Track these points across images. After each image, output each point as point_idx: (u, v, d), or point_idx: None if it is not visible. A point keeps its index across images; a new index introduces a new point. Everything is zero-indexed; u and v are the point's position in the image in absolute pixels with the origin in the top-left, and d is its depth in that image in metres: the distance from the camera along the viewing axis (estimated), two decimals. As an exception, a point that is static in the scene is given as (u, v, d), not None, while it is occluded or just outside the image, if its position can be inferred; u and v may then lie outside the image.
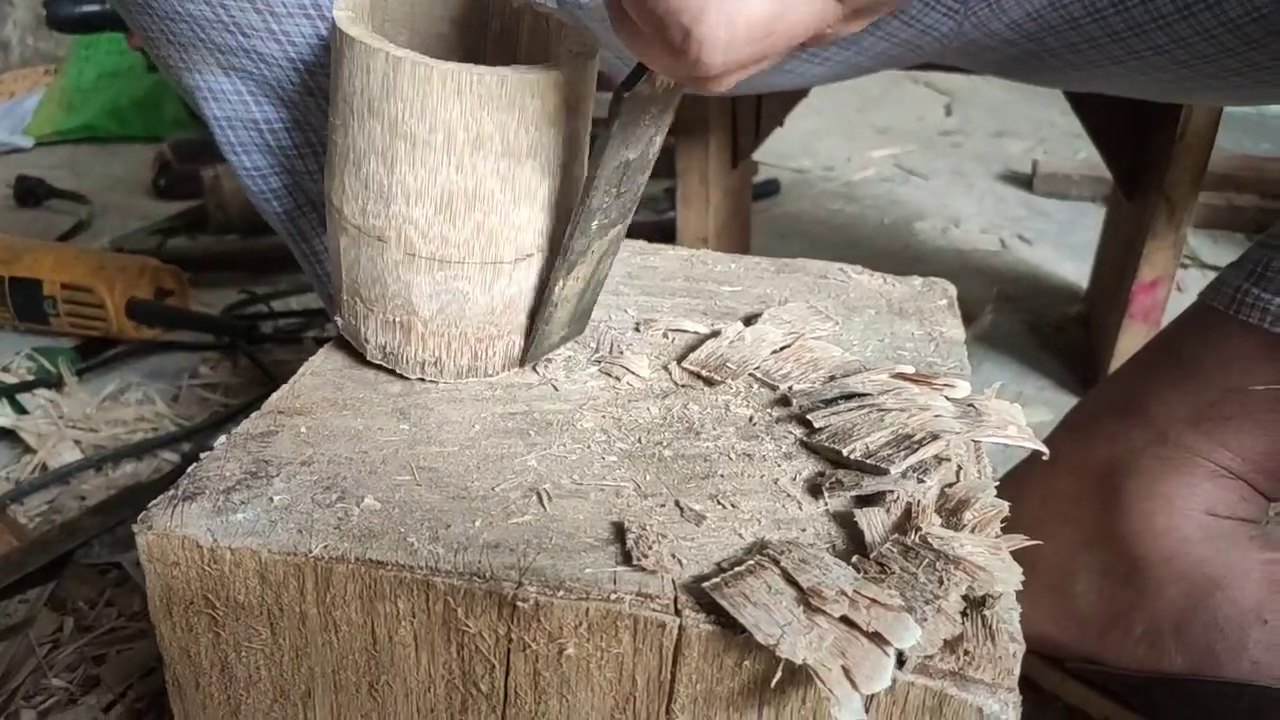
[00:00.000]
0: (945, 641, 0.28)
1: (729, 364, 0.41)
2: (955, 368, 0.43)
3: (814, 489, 0.34)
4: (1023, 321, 1.01)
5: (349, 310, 0.40)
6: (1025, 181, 1.37)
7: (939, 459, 0.35)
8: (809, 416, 0.37)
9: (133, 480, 0.72)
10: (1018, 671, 0.28)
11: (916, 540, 0.30)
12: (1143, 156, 0.84)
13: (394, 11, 0.40)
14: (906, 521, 0.31)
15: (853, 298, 0.49)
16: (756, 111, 0.96)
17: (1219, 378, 0.48)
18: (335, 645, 0.31)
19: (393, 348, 0.39)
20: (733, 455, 0.36)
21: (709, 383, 0.40)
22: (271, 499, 0.32)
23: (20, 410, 0.76)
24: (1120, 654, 0.50)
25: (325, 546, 0.30)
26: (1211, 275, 1.09)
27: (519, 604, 0.29)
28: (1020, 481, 0.56)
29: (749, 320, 0.45)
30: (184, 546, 0.30)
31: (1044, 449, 0.39)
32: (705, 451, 0.36)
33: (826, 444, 0.35)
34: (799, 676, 0.27)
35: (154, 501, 0.32)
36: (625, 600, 0.29)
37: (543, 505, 0.32)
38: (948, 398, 0.39)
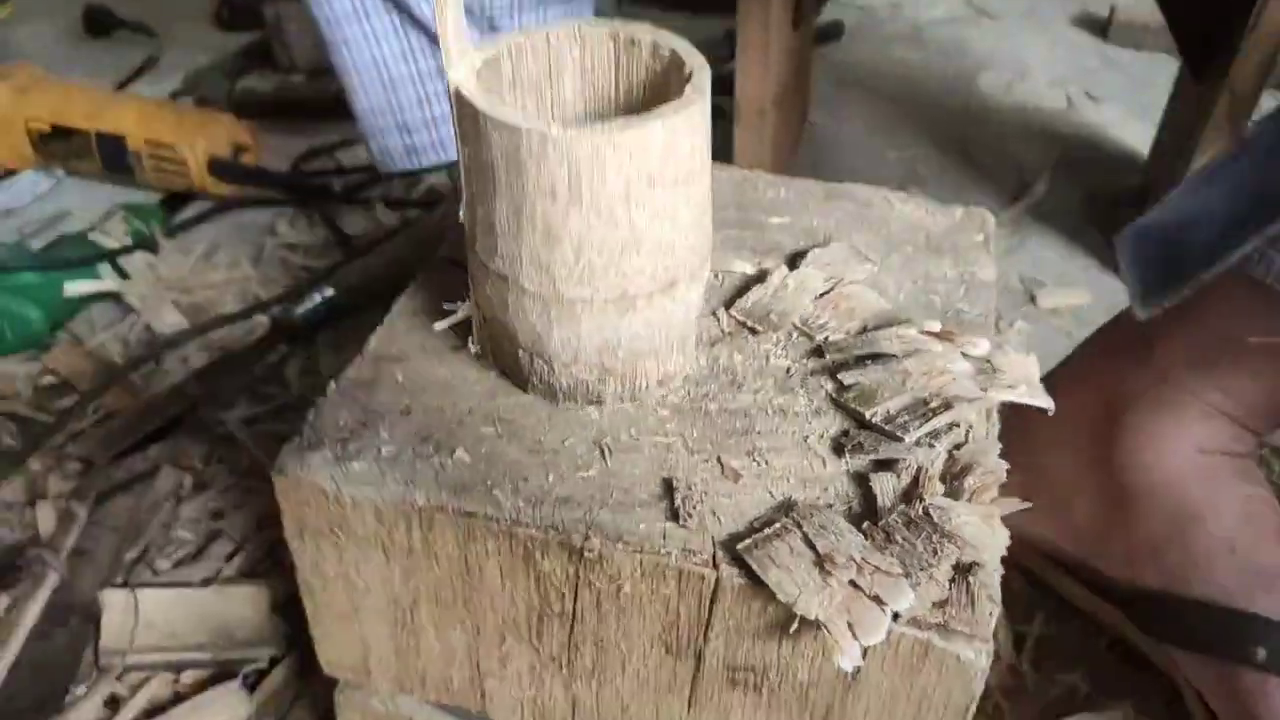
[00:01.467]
0: (934, 603, 0.34)
1: (772, 314, 0.45)
2: (981, 315, 0.47)
3: (838, 448, 0.39)
4: (1079, 192, 1.02)
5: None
6: (1101, 27, 1.32)
7: (951, 424, 0.39)
8: (839, 375, 0.42)
9: (229, 340, 0.80)
10: (993, 626, 0.34)
11: (919, 513, 0.35)
12: (1213, 41, 0.82)
13: (516, 77, 0.39)
14: (914, 489, 0.37)
15: (894, 230, 0.52)
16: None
17: (1220, 325, 0.51)
18: (436, 570, 0.38)
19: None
20: (769, 410, 0.41)
21: (753, 331, 0.45)
22: (380, 449, 0.38)
23: (122, 274, 0.83)
24: (1108, 565, 0.56)
25: (427, 497, 0.36)
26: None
27: (586, 552, 0.35)
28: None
29: (794, 260, 0.49)
30: (311, 490, 0.37)
31: (1050, 405, 0.43)
32: (745, 406, 0.41)
33: (852, 404, 0.40)
34: (812, 626, 0.34)
35: (286, 447, 0.38)
36: (672, 554, 0.35)
37: (604, 460, 0.38)
38: (967, 354, 0.43)
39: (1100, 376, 0.57)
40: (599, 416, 0.40)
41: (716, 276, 0.48)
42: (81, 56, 1.30)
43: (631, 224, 0.35)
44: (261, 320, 0.82)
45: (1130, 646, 0.58)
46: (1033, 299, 0.88)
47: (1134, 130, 1.11)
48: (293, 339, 0.81)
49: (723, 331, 0.45)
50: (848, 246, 0.50)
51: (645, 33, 0.38)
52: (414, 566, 0.38)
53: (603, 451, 0.39)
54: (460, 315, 0.43)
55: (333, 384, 0.41)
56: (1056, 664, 0.59)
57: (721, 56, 1.23)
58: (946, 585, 0.34)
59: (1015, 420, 0.54)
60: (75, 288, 0.79)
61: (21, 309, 0.75)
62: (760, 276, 0.47)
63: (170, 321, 0.81)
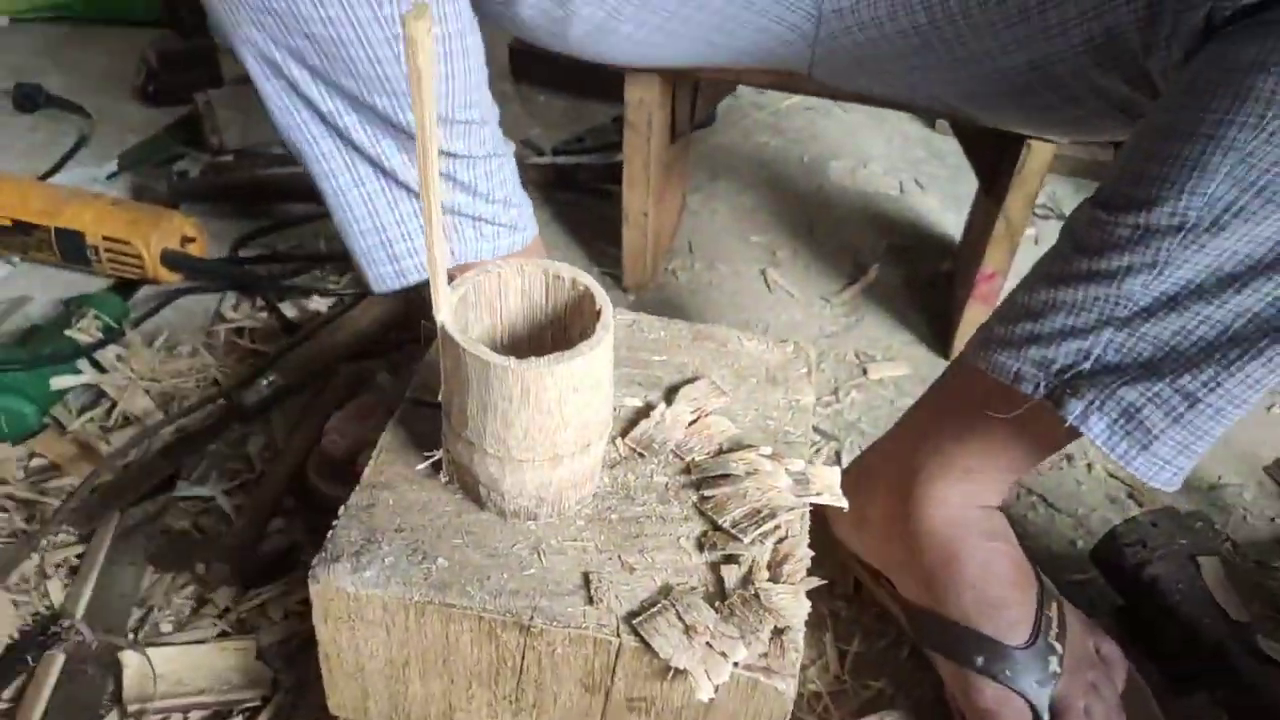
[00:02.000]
0: (760, 655, 0.52)
1: (654, 442, 0.63)
2: (801, 435, 0.66)
3: (700, 545, 0.57)
4: (902, 275, 1.24)
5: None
6: (929, 119, 1.55)
7: (775, 527, 0.58)
8: (702, 489, 0.60)
9: (191, 422, 0.93)
10: (799, 666, 0.53)
11: (751, 594, 0.54)
12: (996, 167, 1.04)
13: (476, 299, 0.56)
14: (749, 576, 0.55)
15: (743, 365, 0.71)
16: (693, 95, 1.13)
17: (970, 408, 0.71)
18: (424, 642, 0.54)
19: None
20: (654, 518, 0.59)
21: (641, 455, 0.63)
22: (383, 559, 0.54)
23: (98, 366, 0.95)
24: (901, 585, 0.77)
25: (420, 594, 0.53)
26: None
27: (531, 628, 0.52)
28: (864, 464, 0.81)
29: (669, 394, 0.67)
30: (336, 591, 0.53)
31: (845, 505, 0.62)
32: (637, 514, 0.59)
33: (710, 513, 0.59)
34: (682, 672, 0.52)
35: (316, 559, 0.54)
36: (589, 628, 0.52)
37: (541, 560, 0.55)
38: (789, 471, 0.62)
39: (899, 451, 0.77)
40: (535, 528, 0.57)
41: (615, 410, 0.66)
42: (12, 135, 1.38)
43: (562, 414, 0.52)
44: (220, 403, 0.96)
45: (921, 656, 0.79)
46: (865, 371, 1.09)
47: (950, 219, 1.34)
48: (245, 419, 0.95)
49: (620, 456, 0.63)
50: (709, 383, 0.68)
51: (567, 271, 0.56)
52: (407, 639, 0.55)
53: (539, 554, 0.56)
54: (437, 457, 0.59)
55: (343, 509, 0.57)
56: (869, 673, 0.79)
57: (611, 144, 1.41)
58: (767, 643, 0.53)
59: (851, 477, 0.75)
60: (61, 382, 0.91)
61: (17, 405, 0.87)
62: (646, 410, 0.65)
63: (142, 406, 0.94)
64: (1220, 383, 0.60)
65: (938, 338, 1.14)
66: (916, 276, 1.24)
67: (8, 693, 0.71)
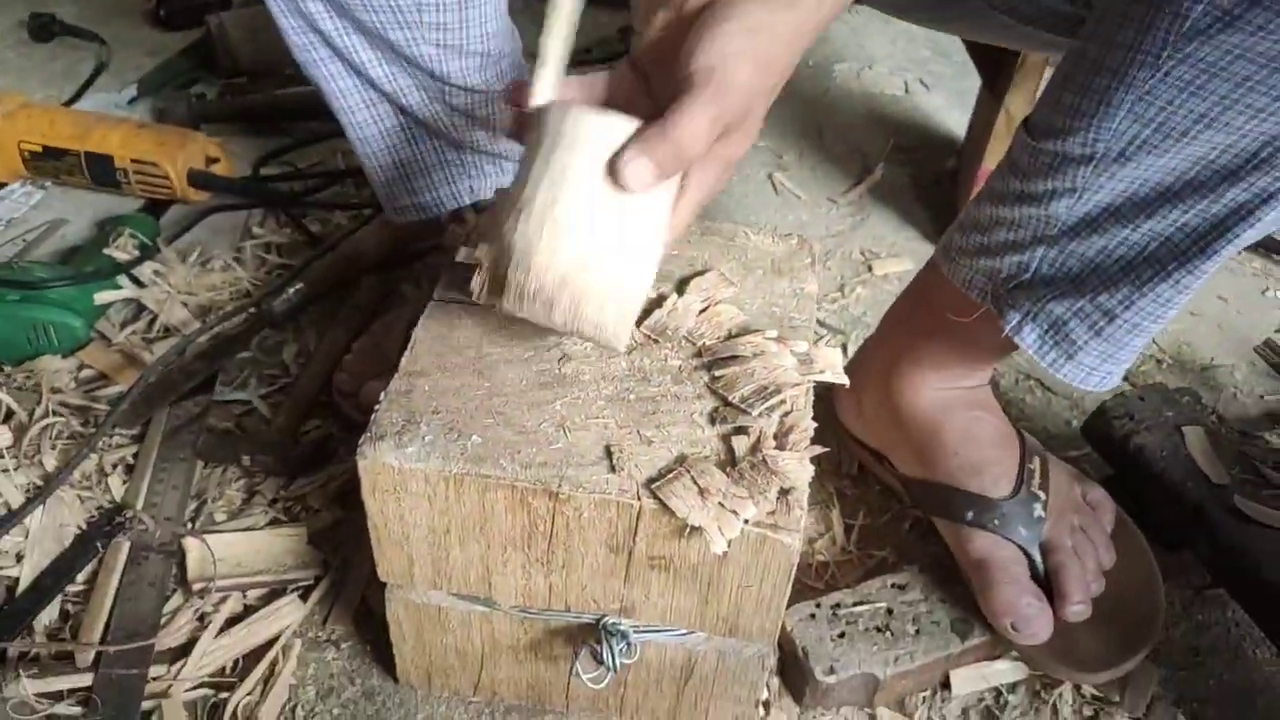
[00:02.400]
0: (768, 513, 0.57)
1: (668, 329, 0.68)
2: (806, 320, 0.71)
3: (712, 420, 0.62)
4: (908, 174, 1.26)
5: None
6: (935, 17, 1.55)
7: (781, 402, 0.63)
8: (713, 370, 0.65)
9: (226, 329, 0.98)
10: (804, 523, 0.58)
11: (759, 460, 0.59)
12: (998, 65, 1.06)
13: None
14: (757, 445, 0.60)
15: (749, 258, 0.75)
16: None
17: (938, 307, 0.75)
18: (462, 510, 0.60)
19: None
20: (668, 397, 0.64)
21: (656, 341, 0.67)
22: (424, 437, 0.59)
23: (137, 282, 1.00)
24: (897, 461, 0.82)
25: (458, 467, 0.58)
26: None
27: (559, 495, 0.58)
28: (860, 355, 0.86)
29: (681, 285, 0.71)
30: (383, 468, 0.58)
31: (846, 382, 0.67)
32: (653, 394, 0.64)
33: (721, 391, 0.64)
34: (697, 530, 0.57)
35: (362, 438, 0.59)
36: (612, 493, 0.58)
37: (566, 436, 0.60)
38: (794, 352, 0.66)
39: (883, 344, 0.83)
40: (560, 408, 0.62)
41: (629, 299, 0.70)
42: (31, 64, 1.41)
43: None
44: (250, 311, 1.01)
45: (922, 528, 0.85)
46: (870, 268, 1.13)
47: (954, 117, 1.35)
48: (274, 325, 1.00)
49: (636, 342, 0.67)
50: (718, 274, 0.72)
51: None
52: (447, 509, 0.60)
53: (564, 431, 0.61)
54: (474, 256, 0.63)
55: (383, 394, 0.62)
56: (873, 544, 0.85)
57: (618, 54, 1.43)
58: (774, 502, 0.58)
59: (852, 367, 0.80)
60: (105, 297, 0.96)
61: (66, 320, 0.92)
62: (659, 300, 0.70)
63: (180, 317, 0.99)
64: (1134, 301, 0.64)
65: (940, 234, 1.17)
66: (922, 175, 1.26)
67: (81, 577, 0.78)
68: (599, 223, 0.57)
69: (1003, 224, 0.67)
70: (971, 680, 0.75)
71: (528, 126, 0.59)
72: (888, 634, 0.74)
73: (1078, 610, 0.73)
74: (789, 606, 0.76)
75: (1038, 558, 0.73)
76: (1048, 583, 0.74)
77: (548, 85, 0.59)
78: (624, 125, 0.55)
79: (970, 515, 0.74)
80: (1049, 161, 0.62)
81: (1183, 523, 0.77)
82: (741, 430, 0.62)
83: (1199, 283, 0.63)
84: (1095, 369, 0.68)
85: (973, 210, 0.70)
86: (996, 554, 0.73)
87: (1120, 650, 0.73)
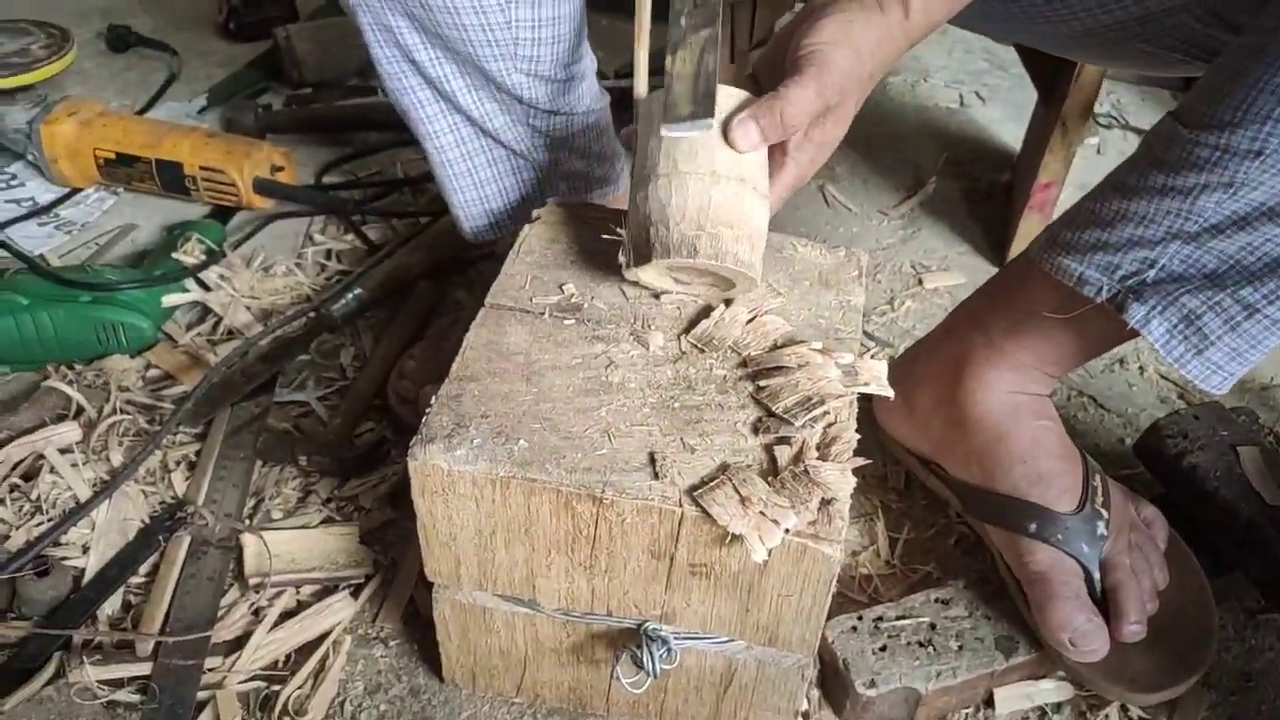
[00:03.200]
0: (809, 523, 0.58)
1: (714, 339, 0.68)
2: (852, 332, 0.71)
3: (755, 429, 0.63)
4: (961, 187, 1.26)
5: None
6: (993, 29, 1.54)
7: (825, 413, 0.63)
8: (757, 380, 0.66)
9: (288, 331, 1.01)
10: (845, 534, 0.58)
11: (802, 470, 0.59)
12: (1054, 78, 1.05)
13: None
14: (800, 455, 0.61)
15: (796, 270, 0.75)
16: (751, 14, 1.15)
17: (1027, 305, 0.75)
18: (508, 513, 0.61)
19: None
20: (713, 406, 0.64)
21: (701, 351, 0.68)
22: (473, 440, 0.61)
23: (203, 285, 1.04)
24: (950, 466, 0.82)
25: (505, 470, 0.59)
26: (1133, 138, 1.32)
27: (603, 500, 0.59)
28: (913, 355, 0.86)
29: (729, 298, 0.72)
30: (432, 468, 0.60)
31: (890, 394, 0.67)
32: (697, 403, 0.65)
33: (765, 401, 0.64)
34: (739, 538, 0.58)
35: (413, 440, 0.61)
36: (655, 499, 0.58)
37: (611, 443, 0.62)
38: (838, 364, 0.67)
39: (951, 341, 0.82)
40: (606, 414, 0.63)
41: (677, 309, 0.71)
42: (108, 74, 1.47)
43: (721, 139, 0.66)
44: (310, 316, 1.04)
45: (968, 544, 0.84)
46: (920, 281, 1.12)
47: (1010, 129, 1.34)
48: (332, 329, 1.03)
49: (681, 351, 0.68)
50: (766, 285, 0.73)
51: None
52: (494, 511, 0.62)
53: (609, 437, 0.62)
54: (622, 237, 0.69)
55: (434, 399, 0.64)
56: (917, 558, 0.84)
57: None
58: (816, 512, 0.58)
59: (899, 368, 0.80)
60: (172, 300, 1.00)
61: (136, 321, 0.95)
62: (706, 311, 0.70)
63: (243, 321, 1.02)
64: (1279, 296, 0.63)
65: (994, 248, 1.17)
66: (975, 188, 1.25)
67: (143, 569, 0.81)
68: (717, 174, 0.64)
69: (1131, 219, 0.66)
70: (1015, 699, 0.74)
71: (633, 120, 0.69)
72: (930, 649, 0.74)
73: (1134, 630, 0.71)
74: (831, 618, 0.76)
75: (1097, 575, 0.73)
76: (1103, 601, 0.73)
77: (644, 81, 0.70)
78: (724, 94, 0.65)
79: (1033, 527, 0.73)
80: (1206, 155, 0.61)
81: (1236, 543, 0.76)
82: (784, 440, 0.62)
83: None
84: (1221, 366, 0.66)
85: (1089, 204, 0.69)
86: (1058, 568, 0.72)
87: (1173, 672, 0.72)
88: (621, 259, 0.69)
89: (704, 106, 0.63)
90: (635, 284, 0.72)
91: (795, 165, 0.68)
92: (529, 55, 0.79)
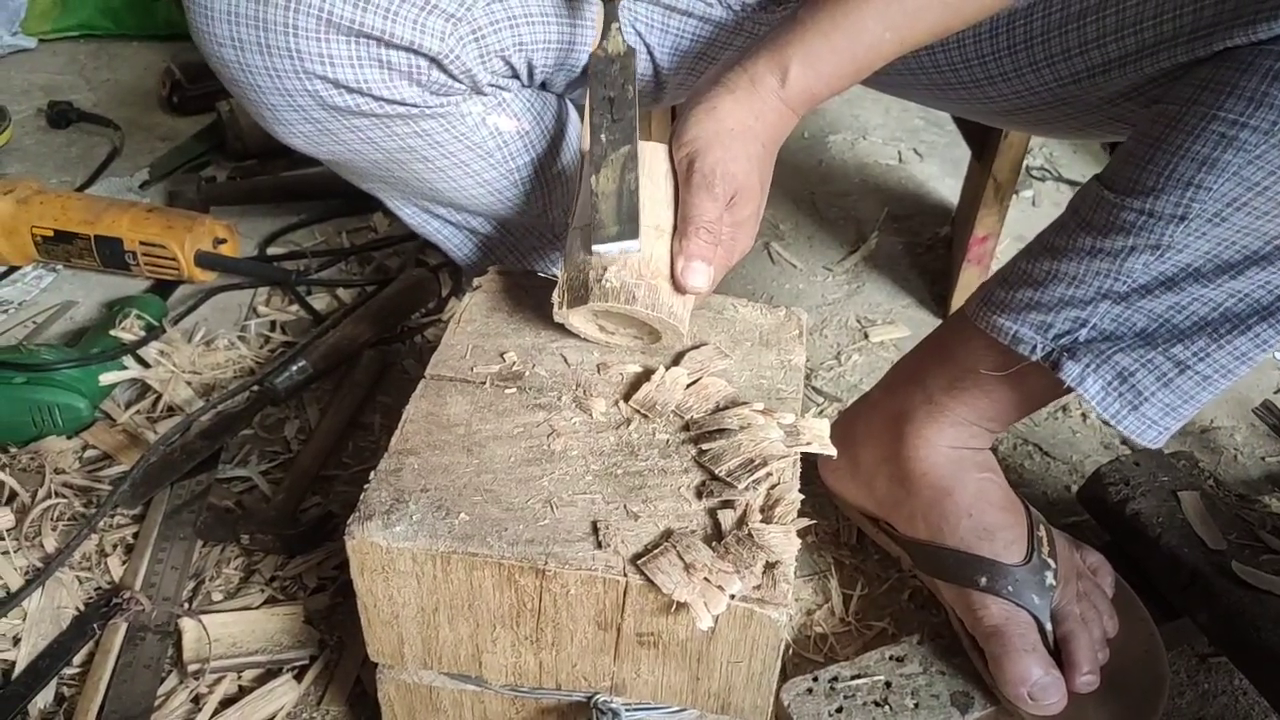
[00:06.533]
0: (754, 587, 0.57)
1: (656, 403, 0.68)
2: (793, 391, 0.71)
3: (699, 494, 0.63)
4: (902, 242, 1.28)
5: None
6: (928, 87, 1.58)
7: (768, 474, 0.63)
8: (700, 444, 0.65)
9: (229, 407, 1.00)
10: (791, 601, 0.58)
11: (745, 534, 0.59)
12: (985, 135, 1.08)
13: None
14: (744, 519, 0.60)
15: (738, 330, 0.76)
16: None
17: (964, 362, 0.76)
18: (450, 589, 0.60)
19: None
20: (656, 471, 0.64)
21: (644, 416, 0.68)
22: (412, 516, 0.60)
23: (142, 362, 1.02)
24: (898, 523, 0.82)
25: (445, 546, 0.58)
26: (1066, 190, 1.36)
27: (547, 573, 0.58)
28: (854, 414, 0.86)
29: (679, 358, 0.72)
30: (371, 547, 0.59)
31: (833, 453, 0.67)
32: (640, 469, 0.64)
33: (708, 464, 0.64)
34: (684, 606, 0.57)
35: (350, 518, 0.59)
36: (599, 569, 0.58)
37: (553, 512, 0.61)
38: (780, 424, 0.67)
39: (892, 399, 0.82)
40: (548, 484, 0.63)
41: (619, 375, 0.71)
42: (48, 151, 1.45)
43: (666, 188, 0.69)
44: (253, 389, 1.02)
45: (921, 597, 0.84)
46: (866, 335, 1.14)
47: (948, 184, 1.37)
48: (276, 402, 1.01)
49: (624, 417, 0.68)
50: (714, 348, 0.73)
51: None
52: (436, 587, 0.60)
53: (551, 507, 0.61)
54: (558, 275, 0.70)
55: (373, 474, 0.63)
56: (872, 614, 0.84)
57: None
58: (760, 576, 0.58)
59: (841, 427, 0.80)
60: (110, 378, 0.98)
61: (71, 401, 0.93)
62: (647, 375, 0.70)
63: (184, 396, 1.00)
64: (1209, 353, 0.65)
65: (936, 301, 1.19)
66: (916, 242, 1.28)
67: (78, 659, 0.78)
68: (661, 229, 0.66)
69: (1062, 279, 0.67)
70: (973, 755, 0.74)
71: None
72: (887, 708, 0.73)
73: (1088, 680, 0.71)
74: (787, 679, 0.75)
75: (1049, 626, 0.73)
76: (1055, 652, 0.73)
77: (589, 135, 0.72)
78: (651, 148, 0.68)
79: (984, 581, 0.73)
80: (1132, 219, 0.63)
81: (1181, 589, 0.76)
82: (728, 504, 0.62)
83: None
84: (1156, 421, 0.68)
85: (1022, 264, 0.70)
86: (1012, 622, 0.72)
87: (1128, 721, 0.71)
88: (555, 299, 0.69)
89: (629, 227, 0.65)
90: (570, 334, 0.72)
91: (721, 248, 0.68)
92: (483, 218, 0.95)
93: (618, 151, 0.66)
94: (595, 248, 0.64)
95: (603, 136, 0.67)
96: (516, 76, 0.80)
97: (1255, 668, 0.72)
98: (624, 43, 0.74)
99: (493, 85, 0.78)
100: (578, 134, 0.88)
